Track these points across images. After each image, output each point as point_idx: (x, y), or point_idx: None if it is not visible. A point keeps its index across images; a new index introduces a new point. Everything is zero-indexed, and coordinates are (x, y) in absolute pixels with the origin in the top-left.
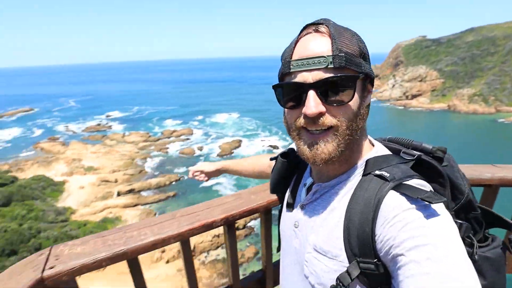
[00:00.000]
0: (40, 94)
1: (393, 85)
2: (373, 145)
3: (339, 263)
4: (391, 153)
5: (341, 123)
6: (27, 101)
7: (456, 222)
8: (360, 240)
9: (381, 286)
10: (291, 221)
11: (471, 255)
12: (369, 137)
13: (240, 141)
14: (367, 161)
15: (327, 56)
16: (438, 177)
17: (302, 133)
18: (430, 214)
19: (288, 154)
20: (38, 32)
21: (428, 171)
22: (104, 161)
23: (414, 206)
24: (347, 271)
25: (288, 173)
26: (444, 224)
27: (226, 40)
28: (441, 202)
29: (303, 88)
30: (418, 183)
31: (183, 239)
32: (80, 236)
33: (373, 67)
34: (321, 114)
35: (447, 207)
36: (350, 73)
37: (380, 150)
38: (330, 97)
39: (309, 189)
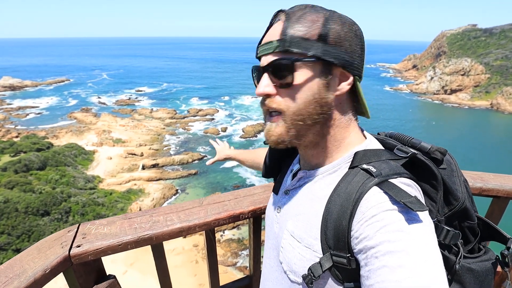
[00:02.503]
0: (76, 65)
1: (432, 78)
2: (365, 138)
3: (313, 253)
4: (383, 148)
5: (288, 107)
6: (63, 71)
7: (443, 228)
8: (336, 233)
9: (353, 282)
10: (275, 205)
11: (453, 264)
12: (362, 129)
13: (264, 125)
14: (356, 153)
15: (275, 40)
16: (432, 178)
17: (265, 115)
18: (410, 218)
19: None
20: (76, 6)
21: (422, 171)
22: (131, 134)
23: (395, 207)
24: (319, 262)
25: (281, 157)
26: (423, 231)
27: (260, 20)
28: (423, 211)
29: (260, 71)
30: (404, 182)
31: (209, 228)
32: (106, 203)
33: (411, 56)
34: (269, 96)
35: (438, 212)
36: (294, 56)
37: (372, 143)
38: (279, 80)
39: (295, 176)
